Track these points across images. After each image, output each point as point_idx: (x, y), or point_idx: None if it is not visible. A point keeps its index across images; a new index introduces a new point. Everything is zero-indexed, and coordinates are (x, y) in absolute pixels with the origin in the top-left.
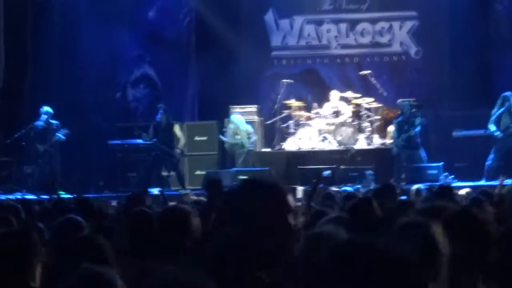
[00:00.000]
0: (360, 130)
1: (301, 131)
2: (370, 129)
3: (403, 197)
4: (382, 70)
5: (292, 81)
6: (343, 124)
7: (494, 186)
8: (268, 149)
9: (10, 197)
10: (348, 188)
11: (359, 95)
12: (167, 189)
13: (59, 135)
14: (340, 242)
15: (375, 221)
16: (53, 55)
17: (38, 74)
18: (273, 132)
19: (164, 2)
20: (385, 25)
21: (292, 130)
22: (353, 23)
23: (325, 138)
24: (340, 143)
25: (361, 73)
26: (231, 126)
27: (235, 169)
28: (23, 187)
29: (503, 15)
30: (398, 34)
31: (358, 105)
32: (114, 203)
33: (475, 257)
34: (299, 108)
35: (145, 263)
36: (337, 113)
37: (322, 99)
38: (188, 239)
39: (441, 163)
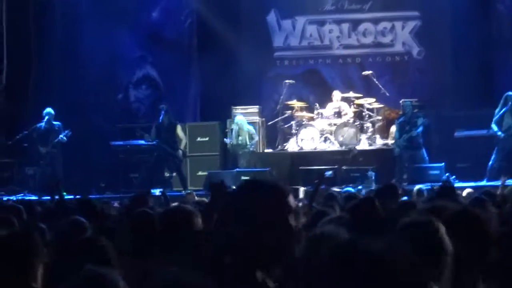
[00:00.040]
0: (362, 130)
1: (303, 132)
2: (372, 129)
3: (405, 198)
4: (384, 70)
5: (294, 81)
6: (345, 124)
7: (495, 187)
8: (270, 150)
9: (12, 198)
10: (350, 189)
11: (360, 95)
12: (169, 190)
13: (62, 136)
14: (340, 243)
15: (377, 221)
16: (55, 56)
17: (41, 75)
18: (275, 133)
19: (166, 3)
20: (387, 25)
21: (294, 131)
22: (355, 23)
23: (327, 139)
24: (342, 143)
25: (363, 73)
26: (235, 127)
27: (237, 169)
28: (25, 188)
29: (505, 15)
30: (400, 34)
31: (360, 105)
32: (116, 204)
33: (475, 256)
34: (301, 109)
35: (147, 264)
36: (339, 114)
37: (324, 99)
38: (192, 239)
39: (443, 164)
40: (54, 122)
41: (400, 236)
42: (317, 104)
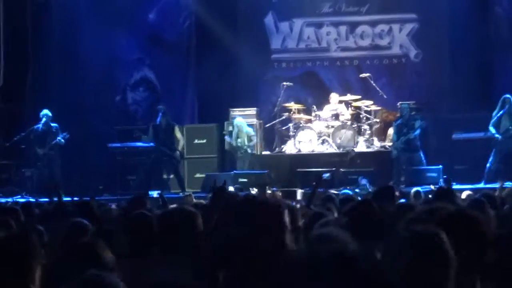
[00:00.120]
0: (359, 132)
1: (300, 134)
2: (369, 132)
3: (402, 200)
4: (381, 72)
5: (291, 84)
6: (342, 126)
7: (493, 189)
8: (268, 152)
9: (10, 200)
10: (347, 191)
11: (358, 97)
12: (167, 192)
13: (59, 138)
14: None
15: (375, 224)
16: (52, 57)
17: (38, 76)
18: (273, 135)
19: (164, 5)
20: (385, 27)
21: (291, 133)
22: (352, 26)
23: (324, 141)
24: (339, 146)
25: (361, 75)
26: (234, 129)
27: (234, 172)
28: (23, 190)
29: (503, 17)
30: (398, 37)
31: (357, 107)
32: (113, 206)
33: (473, 258)
34: (299, 111)
35: (146, 266)
36: (336, 116)
37: (322, 101)
38: (193, 240)
39: (440, 166)
40: (52, 124)
41: (402, 246)
42: (315, 106)
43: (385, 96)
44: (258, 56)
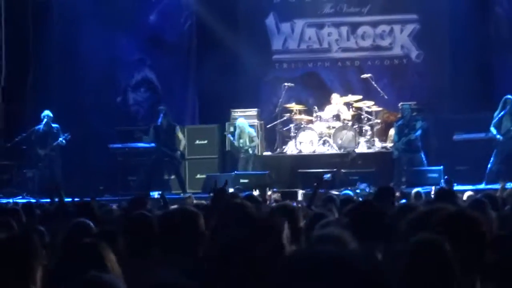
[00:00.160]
0: (360, 133)
1: (302, 135)
2: (370, 132)
3: (403, 201)
4: (383, 73)
5: (293, 84)
6: (343, 127)
7: (495, 190)
8: (269, 153)
9: (11, 200)
10: (348, 192)
11: (359, 97)
12: (168, 193)
13: (61, 139)
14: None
15: (376, 224)
16: (54, 58)
17: (39, 77)
18: (274, 136)
19: (165, 5)
20: (386, 28)
21: (293, 134)
22: (354, 27)
23: (325, 142)
24: (340, 146)
25: (362, 76)
26: (236, 130)
27: (235, 172)
28: (23, 191)
29: (503, 17)
30: (399, 38)
31: (358, 108)
32: (114, 206)
33: (473, 258)
34: (300, 112)
35: (146, 266)
36: (338, 117)
37: (323, 102)
38: (195, 240)
39: (441, 167)
40: (53, 125)
41: (412, 254)
42: (316, 107)
43: (386, 97)
44: (259, 57)
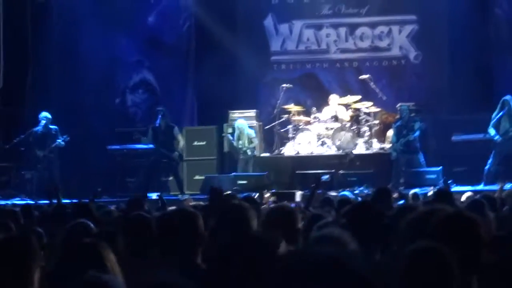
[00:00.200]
0: (359, 134)
1: (300, 136)
2: (369, 133)
3: (401, 202)
4: (381, 74)
5: (291, 85)
6: (342, 128)
7: (493, 191)
8: (267, 154)
9: (9, 202)
10: (346, 193)
11: (358, 97)
12: (166, 194)
13: (59, 141)
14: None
15: (373, 225)
16: (52, 59)
17: (38, 78)
18: (272, 137)
19: (163, 7)
20: (385, 29)
21: (291, 135)
22: (352, 28)
23: (324, 143)
24: (339, 147)
25: (360, 77)
26: (236, 131)
27: (234, 174)
28: (22, 192)
29: (503, 19)
30: (398, 38)
31: (357, 109)
32: (112, 208)
33: (470, 259)
34: (298, 113)
35: (145, 267)
36: (336, 118)
37: (321, 103)
38: (194, 241)
39: (440, 168)
40: (51, 126)
41: (411, 260)
42: (314, 108)
43: (384, 98)
44: (257, 58)
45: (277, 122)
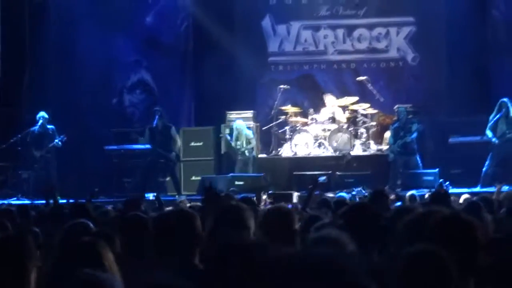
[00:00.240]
0: (356, 136)
1: (297, 137)
2: (366, 135)
3: (398, 203)
4: (379, 76)
5: (288, 87)
6: (339, 130)
7: (490, 193)
8: (265, 155)
9: (5, 202)
10: (343, 194)
11: (356, 98)
12: (163, 195)
13: (57, 141)
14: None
15: (370, 226)
16: (49, 59)
17: (35, 78)
18: (270, 138)
19: (161, 7)
20: (382, 30)
21: (288, 136)
22: (350, 29)
23: (321, 144)
24: (336, 149)
25: (357, 79)
26: (234, 132)
27: (231, 174)
28: (19, 192)
29: (500, 21)
30: (395, 40)
31: (354, 111)
32: (109, 208)
33: (466, 261)
34: (296, 114)
35: (141, 268)
36: (333, 119)
37: (319, 104)
38: (192, 241)
39: (437, 170)
40: (48, 126)
41: (410, 263)
42: (312, 110)
43: (382, 99)
44: (255, 59)
45: (274, 123)
